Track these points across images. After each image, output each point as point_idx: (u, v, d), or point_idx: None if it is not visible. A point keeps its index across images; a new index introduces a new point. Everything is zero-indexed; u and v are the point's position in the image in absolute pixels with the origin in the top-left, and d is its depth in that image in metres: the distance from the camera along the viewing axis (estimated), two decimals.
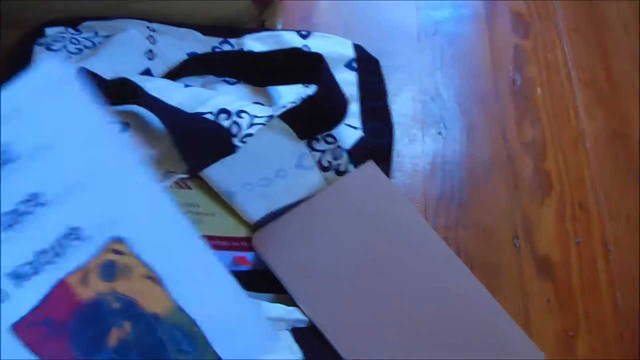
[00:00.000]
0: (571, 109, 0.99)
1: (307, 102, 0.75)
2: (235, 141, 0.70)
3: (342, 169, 0.81)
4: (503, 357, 0.72)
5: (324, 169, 0.81)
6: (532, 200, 0.90)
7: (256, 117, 0.71)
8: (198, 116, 0.71)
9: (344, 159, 0.81)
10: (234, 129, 0.71)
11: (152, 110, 0.70)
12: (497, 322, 0.75)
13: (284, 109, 0.73)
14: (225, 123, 0.71)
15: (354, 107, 0.89)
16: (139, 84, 0.73)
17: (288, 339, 0.70)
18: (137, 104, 0.71)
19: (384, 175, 0.82)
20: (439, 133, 0.96)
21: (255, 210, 0.78)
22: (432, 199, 0.89)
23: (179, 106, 0.72)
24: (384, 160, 0.88)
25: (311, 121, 0.79)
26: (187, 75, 0.86)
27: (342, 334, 0.71)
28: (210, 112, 0.71)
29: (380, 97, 0.93)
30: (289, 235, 0.75)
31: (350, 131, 0.85)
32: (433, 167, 0.92)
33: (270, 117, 0.71)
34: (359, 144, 0.85)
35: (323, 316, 0.72)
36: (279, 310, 0.71)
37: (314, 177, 0.82)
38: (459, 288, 0.76)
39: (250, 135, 0.70)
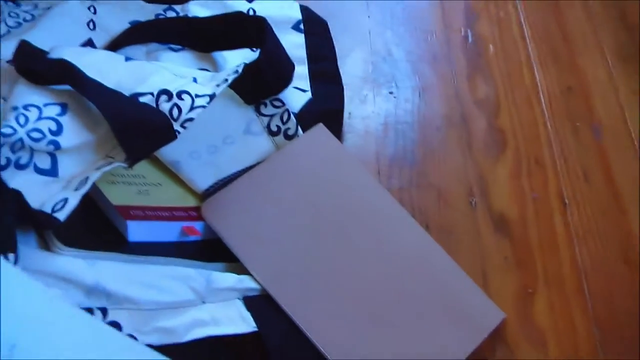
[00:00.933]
0: (524, 66, 0.98)
1: (251, 68, 0.73)
2: (176, 126, 0.67)
3: (291, 132, 0.79)
4: (464, 319, 0.72)
5: (273, 133, 0.79)
6: (486, 158, 0.88)
7: (198, 96, 0.68)
8: (137, 102, 0.68)
9: (293, 122, 0.79)
10: (175, 113, 0.68)
11: (89, 97, 0.66)
12: (456, 284, 0.74)
13: (227, 82, 0.71)
14: (166, 106, 0.68)
15: (302, 70, 0.87)
16: (79, 56, 0.70)
17: (240, 308, 0.68)
18: (74, 88, 0.67)
19: (334, 138, 0.80)
20: (391, 93, 0.94)
21: (203, 179, 0.76)
22: (385, 160, 0.87)
23: (117, 86, 0.69)
24: (335, 122, 0.86)
25: (257, 86, 0.77)
26: (130, 44, 0.83)
27: (296, 301, 0.70)
28: (151, 93, 0.68)
29: (329, 59, 0.91)
30: (238, 203, 0.74)
31: (298, 94, 0.83)
32: (385, 127, 0.90)
33: (213, 96, 0.68)
34: (308, 106, 0.84)
35: (276, 283, 0.70)
36: (230, 279, 0.68)
37: (263, 143, 0.80)
38: (416, 250, 0.75)
39: (191, 119, 0.67)
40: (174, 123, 0.66)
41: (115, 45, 0.83)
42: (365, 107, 0.92)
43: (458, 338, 0.72)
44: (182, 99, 0.67)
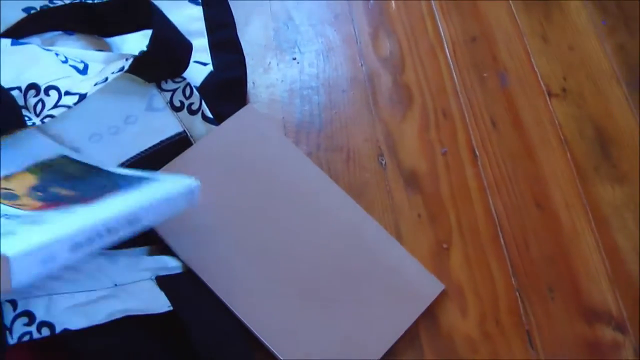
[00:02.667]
0: (428, 18, 0.96)
1: (143, 57, 0.71)
2: (36, 120, 0.65)
3: (194, 107, 0.78)
4: (403, 292, 0.71)
5: (176, 108, 0.78)
6: (393, 116, 0.86)
7: (67, 94, 0.67)
8: None
9: (196, 96, 0.77)
10: (38, 107, 0.66)
11: None
12: (393, 257, 0.74)
13: (106, 81, 0.69)
14: (32, 101, 0.66)
15: (201, 42, 0.85)
16: None
17: (152, 287, 0.67)
18: None
19: (263, 117, 0.81)
20: (294, 59, 0.91)
21: (107, 162, 0.73)
22: (292, 127, 0.85)
23: None
24: (237, 92, 0.84)
25: (153, 72, 0.75)
26: (26, 35, 0.80)
27: (223, 279, 0.69)
28: (18, 88, 0.66)
29: (228, 27, 0.89)
30: None
31: (199, 68, 0.82)
32: (290, 94, 0.88)
33: (84, 96, 0.67)
34: (210, 79, 0.82)
35: (201, 263, 0.70)
36: (142, 260, 0.68)
37: (167, 118, 0.78)
38: (351, 225, 0.75)
39: (51, 116, 0.65)
40: (34, 117, 0.64)
41: (10, 34, 0.79)
42: (269, 75, 0.89)
43: (398, 311, 0.71)
44: (48, 95, 0.66)
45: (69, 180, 0.67)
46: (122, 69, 0.70)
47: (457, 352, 0.71)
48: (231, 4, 0.90)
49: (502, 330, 0.72)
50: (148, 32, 0.75)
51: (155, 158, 0.75)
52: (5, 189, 0.63)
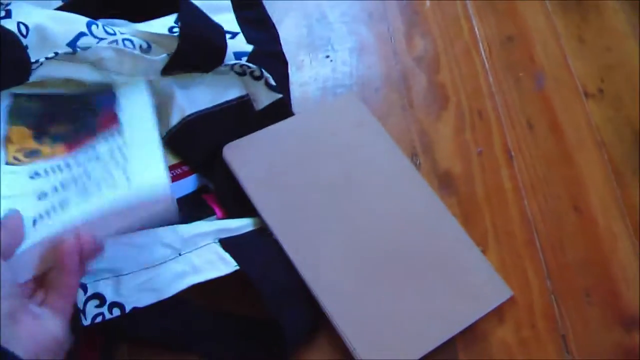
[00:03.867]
0: (462, 18, 0.95)
1: (175, 57, 0.71)
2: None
3: (256, 74, 0.77)
4: (469, 291, 0.71)
5: (239, 74, 0.78)
6: (428, 115, 0.85)
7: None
8: None
9: (254, 66, 0.77)
10: None
11: None
12: (466, 255, 0.73)
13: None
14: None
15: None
16: None
17: (217, 250, 0.68)
18: None
19: (363, 105, 0.82)
20: (327, 57, 0.90)
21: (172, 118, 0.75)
22: None
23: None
24: (281, 63, 0.86)
25: (190, 69, 0.75)
26: None
27: (299, 246, 0.71)
28: None
29: (256, 7, 0.87)
30: (259, 150, 0.76)
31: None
32: (324, 92, 0.87)
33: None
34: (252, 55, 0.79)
35: (283, 228, 0.72)
36: (202, 225, 0.69)
37: (231, 80, 0.79)
38: (430, 218, 0.75)
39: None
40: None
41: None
42: (302, 73, 0.89)
43: (460, 308, 0.70)
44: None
45: (54, 115, 0.68)
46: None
47: (492, 356, 0.70)
48: (265, 3, 0.89)
49: (538, 335, 0.71)
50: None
51: (216, 118, 0.76)
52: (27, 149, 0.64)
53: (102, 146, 0.66)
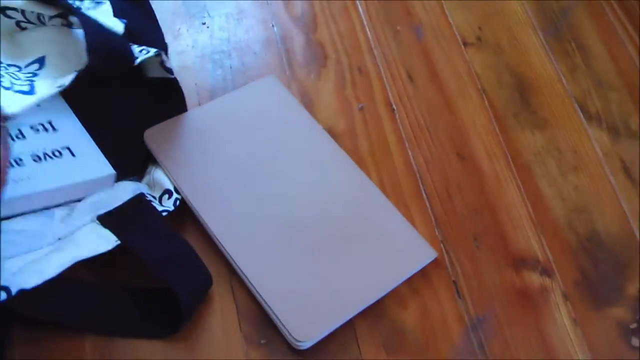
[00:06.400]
0: None
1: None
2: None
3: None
4: (396, 256, 0.71)
5: None
6: (308, 75, 0.84)
7: None
8: None
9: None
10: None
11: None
12: (389, 220, 0.73)
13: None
14: None
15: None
16: None
17: (96, 228, 0.67)
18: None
19: (283, 87, 0.83)
20: (204, 24, 0.88)
21: None
22: (205, 93, 0.82)
23: None
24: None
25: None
26: None
27: (222, 222, 0.71)
28: None
29: None
30: (181, 134, 0.76)
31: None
32: (202, 59, 0.85)
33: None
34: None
35: (208, 208, 0.72)
36: (78, 207, 0.69)
37: None
38: (352, 187, 0.75)
39: None
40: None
41: None
42: (179, 41, 0.86)
43: (385, 271, 0.70)
44: None
45: None
46: (61, 86, 0.65)
47: (386, 309, 0.69)
48: None
49: (430, 283, 0.71)
50: None
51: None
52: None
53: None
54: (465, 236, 0.75)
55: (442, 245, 0.74)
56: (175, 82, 0.74)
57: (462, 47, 0.88)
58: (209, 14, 0.90)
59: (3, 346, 0.63)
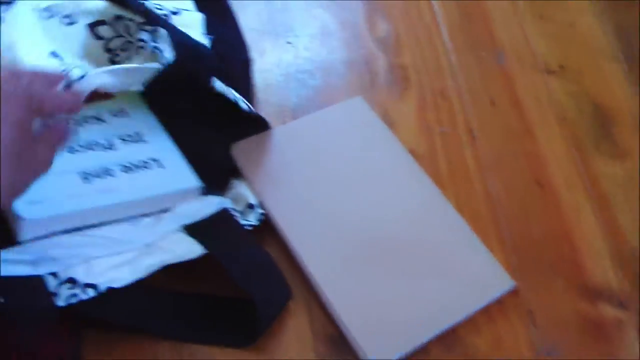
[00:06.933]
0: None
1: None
2: None
3: None
4: (473, 284, 0.71)
5: None
6: (390, 97, 0.85)
7: None
8: None
9: None
10: None
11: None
12: (468, 246, 0.73)
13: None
14: None
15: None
16: None
17: (183, 236, 0.69)
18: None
19: (370, 109, 0.83)
20: (289, 42, 0.90)
21: None
22: (288, 112, 0.84)
23: None
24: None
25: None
26: None
27: (303, 238, 0.72)
28: None
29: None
30: (268, 150, 0.78)
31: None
32: (286, 78, 0.87)
33: None
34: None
35: (291, 225, 0.73)
36: (164, 217, 0.71)
37: None
38: (434, 214, 0.76)
39: None
40: None
41: None
42: (264, 59, 0.89)
43: (460, 298, 0.70)
44: None
45: None
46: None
47: (459, 334, 0.70)
48: None
49: (504, 312, 0.72)
50: None
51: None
52: None
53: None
54: (540, 264, 0.75)
55: (517, 273, 0.74)
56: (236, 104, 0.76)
57: (545, 74, 0.88)
58: (294, 34, 0.92)
59: (78, 347, 0.65)
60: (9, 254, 0.62)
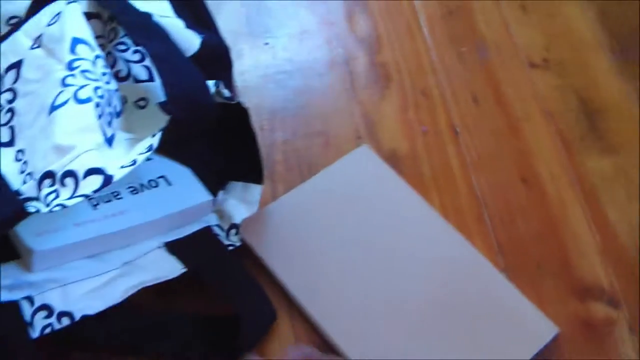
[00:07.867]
0: None
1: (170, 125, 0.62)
2: (41, 207, 0.54)
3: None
4: (514, 332, 0.68)
5: None
6: (371, 97, 0.84)
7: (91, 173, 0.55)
8: None
9: None
10: (50, 197, 0.54)
11: None
12: (505, 296, 0.70)
13: (143, 155, 0.58)
14: (45, 191, 0.54)
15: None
16: None
17: (162, 254, 0.67)
18: None
19: (378, 158, 0.79)
20: (267, 43, 0.88)
21: None
22: (266, 114, 0.82)
23: None
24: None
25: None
26: None
27: (329, 313, 0.68)
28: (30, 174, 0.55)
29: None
30: (277, 222, 0.73)
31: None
32: (264, 79, 0.86)
33: (110, 180, 0.55)
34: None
35: (319, 306, 0.69)
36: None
37: None
38: (465, 265, 0.72)
39: (63, 206, 0.53)
40: (43, 206, 0.54)
41: None
42: (242, 61, 0.87)
43: (508, 352, 0.67)
44: (63, 185, 0.54)
45: None
46: (150, 148, 0.58)
47: None
48: None
49: None
50: None
51: None
52: None
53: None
54: (528, 263, 0.73)
55: (505, 273, 0.72)
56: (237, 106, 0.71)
57: (528, 68, 0.87)
58: (272, 34, 0.90)
59: None
60: None
